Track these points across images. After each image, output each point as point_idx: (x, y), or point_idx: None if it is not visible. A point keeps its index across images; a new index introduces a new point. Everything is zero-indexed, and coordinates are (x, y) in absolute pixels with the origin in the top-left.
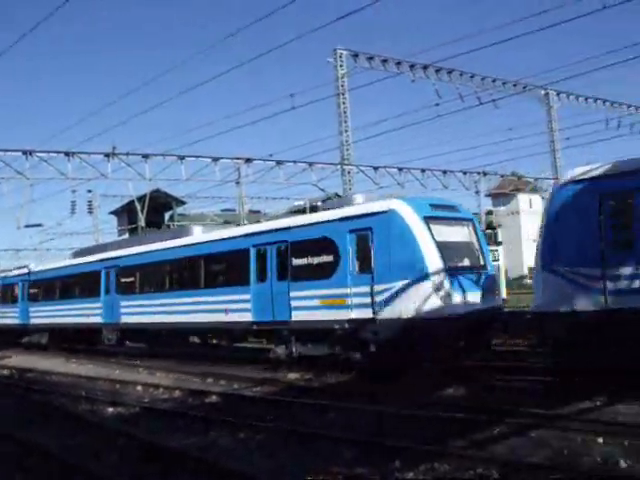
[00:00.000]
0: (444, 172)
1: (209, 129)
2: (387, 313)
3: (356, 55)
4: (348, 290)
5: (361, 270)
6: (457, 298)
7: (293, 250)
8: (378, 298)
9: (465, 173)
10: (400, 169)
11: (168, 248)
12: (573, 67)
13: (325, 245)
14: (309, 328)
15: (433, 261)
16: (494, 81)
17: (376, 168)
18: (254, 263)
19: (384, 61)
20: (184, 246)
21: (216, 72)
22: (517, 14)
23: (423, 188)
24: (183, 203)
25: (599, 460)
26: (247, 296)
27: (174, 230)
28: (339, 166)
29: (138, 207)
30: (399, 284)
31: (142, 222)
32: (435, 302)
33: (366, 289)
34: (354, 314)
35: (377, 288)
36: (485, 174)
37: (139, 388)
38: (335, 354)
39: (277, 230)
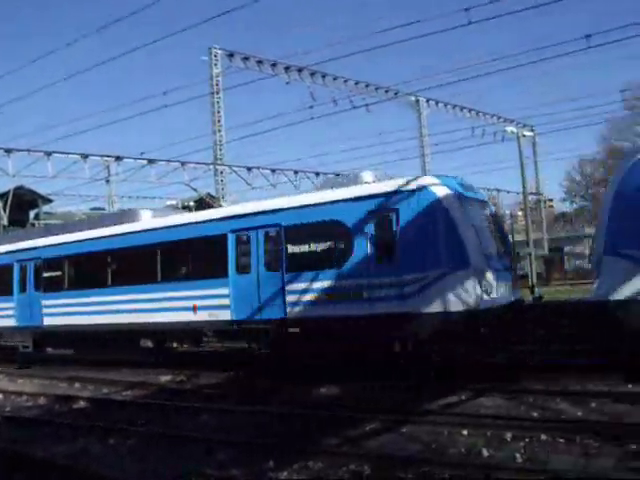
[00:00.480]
0: (317, 174)
1: (78, 125)
2: (420, 306)
3: (231, 55)
4: (366, 281)
5: (383, 258)
6: (496, 289)
7: (289, 235)
8: (408, 289)
9: (338, 175)
10: (273, 170)
11: (112, 235)
12: (443, 76)
13: (333, 229)
14: (309, 327)
15: (474, 247)
16: (367, 86)
17: (249, 169)
18: (233, 251)
19: (259, 62)
20: (135, 233)
21: (82, 66)
22: (392, 22)
23: (295, 190)
24: (50, 201)
25: (463, 451)
26: (225, 290)
27: (115, 215)
28: (212, 166)
29: (0, 205)
30: (435, 273)
31: (4, 220)
32: (479, 293)
33: (390, 280)
34: (375, 308)
35: (407, 278)
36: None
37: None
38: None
39: (265, 212)
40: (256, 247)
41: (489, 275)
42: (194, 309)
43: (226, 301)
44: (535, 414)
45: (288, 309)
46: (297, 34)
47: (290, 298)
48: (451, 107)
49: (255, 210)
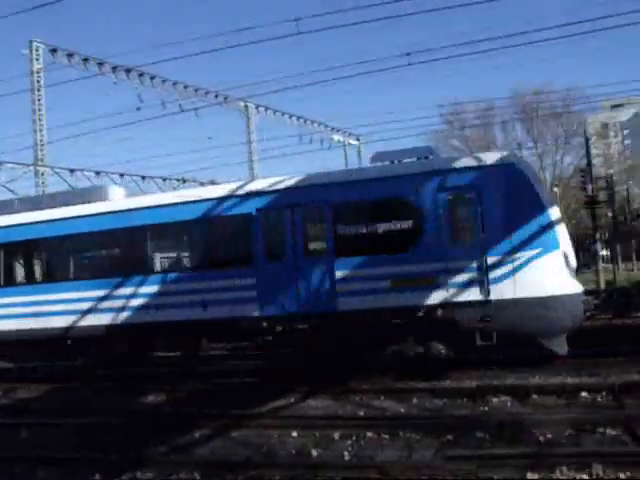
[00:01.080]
0: (143, 177)
1: None
2: (506, 293)
3: (55, 50)
4: (442, 265)
5: (461, 239)
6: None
7: (338, 214)
8: (492, 274)
9: (165, 179)
10: (98, 173)
11: (87, 216)
12: (272, 83)
13: (398, 207)
14: (367, 320)
15: (560, 228)
16: (197, 90)
17: (72, 171)
18: (261, 234)
19: (85, 60)
20: (118, 212)
21: None
22: (221, 27)
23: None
24: None
25: (294, 452)
26: (251, 281)
27: (71, 193)
28: (32, 167)
29: None
30: (526, 255)
31: None
32: (568, 277)
33: (469, 263)
34: (450, 296)
35: (492, 261)
36: (185, 181)
37: None
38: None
39: (305, 188)
40: (292, 229)
41: (574, 259)
42: (203, 305)
43: (252, 294)
44: (362, 413)
45: (340, 300)
46: (124, 33)
47: (342, 287)
48: (280, 114)
49: (290, 185)
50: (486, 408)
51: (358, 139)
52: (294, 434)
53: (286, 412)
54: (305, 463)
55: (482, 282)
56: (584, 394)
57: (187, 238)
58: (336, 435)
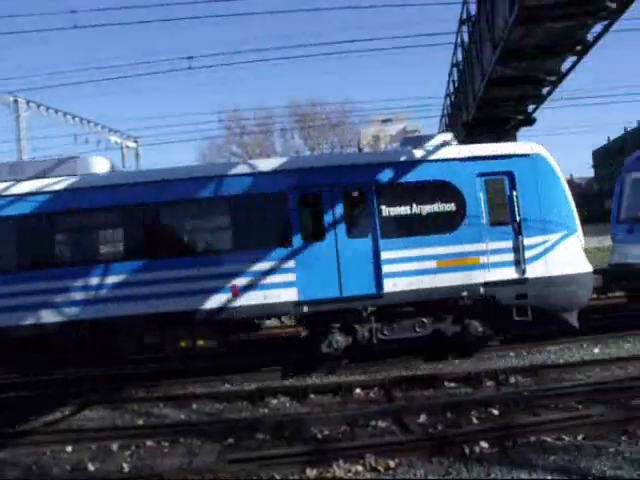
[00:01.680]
0: None
1: None
2: (538, 271)
3: None
4: (484, 246)
5: (499, 221)
6: None
7: (382, 195)
8: (527, 254)
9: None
10: None
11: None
12: (45, 78)
13: (440, 190)
14: (416, 300)
15: (576, 212)
16: None
17: None
18: (297, 214)
19: None
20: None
21: None
22: None
23: None
24: None
25: (68, 468)
26: (289, 263)
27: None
28: None
29: None
30: (555, 237)
31: None
32: (584, 257)
33: (507, 244)
34: (491, 275)
35: (527, 242)
36: None
37: None
38: (440, 332)
39: (348, 167)
40: (333, 208)
41: (582, 240)
42: (233, 290)
43: (290, 277)
44: (140, 421)
45: (386, 282)
46: None
47: (387, 269)
48: (54, 111)
49: (332, 164)
50: (266, 410)
51: (136, 141)
52: (68, 449)
53: (60, 426)
54: (80, 479)
55: (519, 262)
56: (358, 391)
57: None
58: (114, 446)
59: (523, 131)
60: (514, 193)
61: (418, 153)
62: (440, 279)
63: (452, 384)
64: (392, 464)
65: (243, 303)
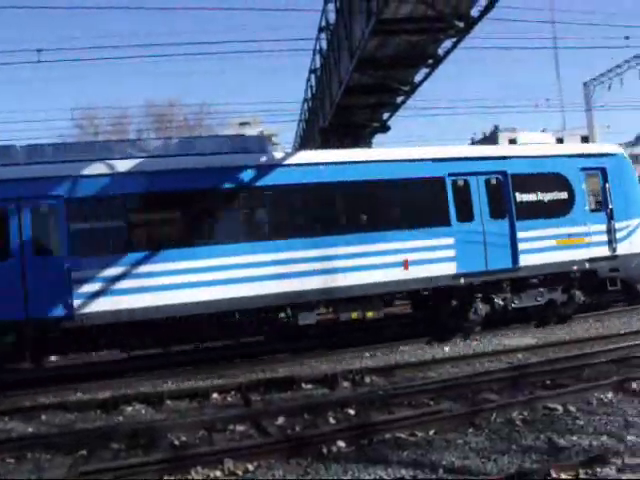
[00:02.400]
0: None
1: None
2: (625, 249)
3: None
4: (587, 228)
5: (595, 208)
6: None
7: (515, 183)
8: (617, 235)
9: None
10: None
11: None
12: None
13: (557, 181)
14: (541, 273)
15: None
16: None
17: None
18: (453, 197)
19: None
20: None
21: None
22: None
23: None
24: None
25: None
26: (449, 240)
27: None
28: None
29: None
30: (634, 222)
31: None
32: None
33: (603, 227)
34: (593, 252)
35: (616, 226)
36: None
37: None
38: (552, 300)
39: (487, 158)
40: (478, 193)
41: None
42: (404, 265)
43: (450, 253)
44: None
45: (521, 257)
46: None
47: (522, 246)
48: None
49: (473, 155)
50: (120, 418)
51: None
52: None
53: None
54: None
55: (611, 241)
56: (215, 395)
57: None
58: None
59: (378, 138)
60: (607, 185)
61: (540, 149)
62: (558, 255)
63: (309, 386)
64: (251, 467)
65: (412, 276)
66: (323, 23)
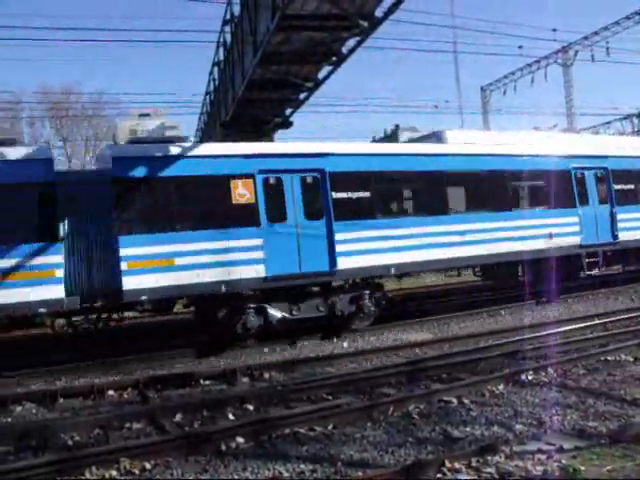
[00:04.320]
0: None
1: None
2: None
3: None
4: None
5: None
6: None
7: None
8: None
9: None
10: None
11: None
12: None
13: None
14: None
15: None
16: None
17: None
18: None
19: None
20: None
21: None
22: None
23: None
24: None
25: None
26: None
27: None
28: None
29: None
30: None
31: None
32: None
33: None
34: None
35: None
36: None
37: None
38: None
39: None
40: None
41: None
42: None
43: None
44: None
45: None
46: None
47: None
48: None
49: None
50: (9, 419)
51: None
52: None
53: None
54: None
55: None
56: (111, 392)
57: None
58: None
59: (282, 133)
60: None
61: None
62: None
63: (208, 382)
64: (148, 466)
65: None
66: (228, 16)
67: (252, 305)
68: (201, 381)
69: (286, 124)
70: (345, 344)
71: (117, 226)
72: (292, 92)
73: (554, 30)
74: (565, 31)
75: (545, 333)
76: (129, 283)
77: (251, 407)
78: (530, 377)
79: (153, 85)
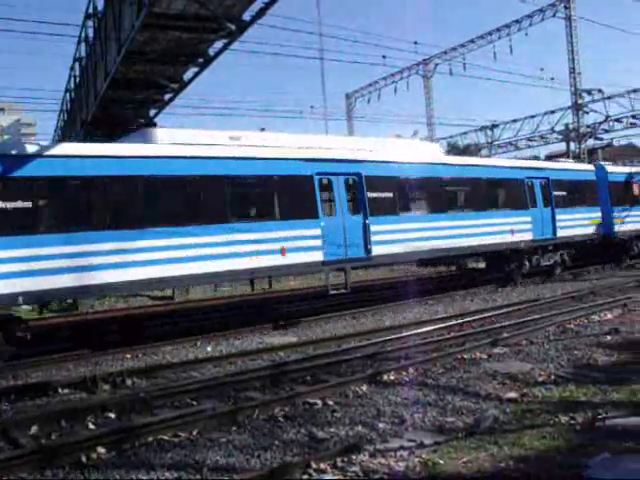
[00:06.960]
0: None
1: None
2: None
3: None
4: None
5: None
6: None
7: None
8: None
9: None
10: None
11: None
12: None
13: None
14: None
15: None
16: None
17: None
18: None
19: None
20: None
21: None
22: None
23: None
24: None
25: None
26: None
27: None
28: None
29: None
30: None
31: None
32: None
33: None
34: None
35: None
36: None
37: None
38: None
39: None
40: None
41: None
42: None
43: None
44: None
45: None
46: None
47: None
48: None
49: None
50: None
51: None
52: None
53: None
54: None
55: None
56: None
57: None
58: None
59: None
60: None
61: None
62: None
63: (66, 390)
64: None
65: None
66: (91, 10)
67: None
68: (59, 390)
69: (150, 125)
70: (209, 348)
71: None
72: (157, 92)
73: (415, 43)
74: (426, 45)
75: (407, 334)
76: None
77: (113, 415)
78: (392, 377)
79: (10, 80)
